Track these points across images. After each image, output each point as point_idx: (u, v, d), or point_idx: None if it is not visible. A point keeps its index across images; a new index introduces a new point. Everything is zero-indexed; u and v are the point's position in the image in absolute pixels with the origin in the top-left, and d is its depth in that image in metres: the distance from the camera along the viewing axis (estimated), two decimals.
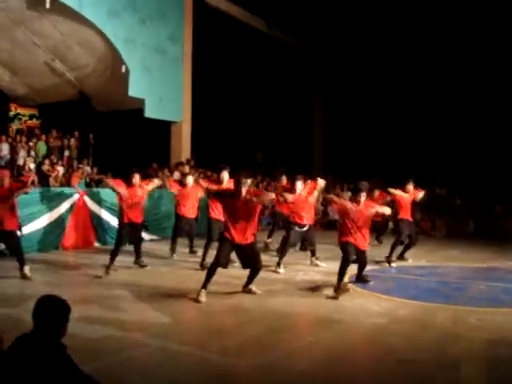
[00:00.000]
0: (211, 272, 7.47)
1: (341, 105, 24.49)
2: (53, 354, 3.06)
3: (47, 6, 13.51)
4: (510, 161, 19.83)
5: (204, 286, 7.39)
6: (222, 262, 7.46)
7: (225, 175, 9.49)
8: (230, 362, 4.98)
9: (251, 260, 7.58)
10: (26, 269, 8.63)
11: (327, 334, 5.94)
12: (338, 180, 19.79)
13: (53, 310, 3.22)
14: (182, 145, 18.18)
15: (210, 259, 8.87)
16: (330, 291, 7.88)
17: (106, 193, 12.84)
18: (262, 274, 8.15)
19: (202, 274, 7.71)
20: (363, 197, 8.19)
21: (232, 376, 4.69)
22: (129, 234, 9.60)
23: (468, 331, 6.09)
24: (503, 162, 19.99)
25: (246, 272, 7.77)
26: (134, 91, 15.74)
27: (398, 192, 11.36)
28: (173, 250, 11.34)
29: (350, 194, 18.64)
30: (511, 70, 19.72)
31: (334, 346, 5.54)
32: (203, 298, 7.30)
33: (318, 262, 10.51)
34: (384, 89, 22.94)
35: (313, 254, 10.66)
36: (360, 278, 8.57)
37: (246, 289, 7.85)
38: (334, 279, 8.00)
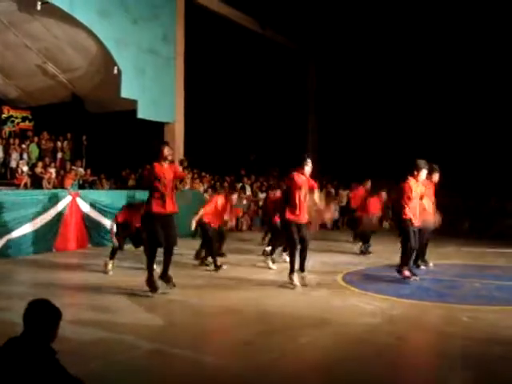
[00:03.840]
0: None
1: (335, 106, 24.49)
2: (41, 358, 3.04)
3: (38, 7, 13.49)
4: (504, 157, 19.93)
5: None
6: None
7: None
8: (223, 365, 4.94)
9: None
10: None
11: (320, 335, 5.90)
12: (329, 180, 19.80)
13: (43, 315, 3.19)
14: (176, 146, 18.09)
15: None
16: (322, 291, 7.99)
17: (98, 194, 12.79)
18: (252, 275, 8.27)
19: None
20: None
21: (226, 378, 4.65)
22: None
23: (461, 330, 6.06)
24: (496, 159, 20.08)
25: (238, 273, 7.75)
26: (126, 92, 15.68)
27: None
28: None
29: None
30: (503, 66, 19.81)
31: (327, 347, 5.51)
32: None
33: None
34: (378, 90, 22.97)
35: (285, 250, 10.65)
36: None
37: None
38: (326, 279, 8.13)
